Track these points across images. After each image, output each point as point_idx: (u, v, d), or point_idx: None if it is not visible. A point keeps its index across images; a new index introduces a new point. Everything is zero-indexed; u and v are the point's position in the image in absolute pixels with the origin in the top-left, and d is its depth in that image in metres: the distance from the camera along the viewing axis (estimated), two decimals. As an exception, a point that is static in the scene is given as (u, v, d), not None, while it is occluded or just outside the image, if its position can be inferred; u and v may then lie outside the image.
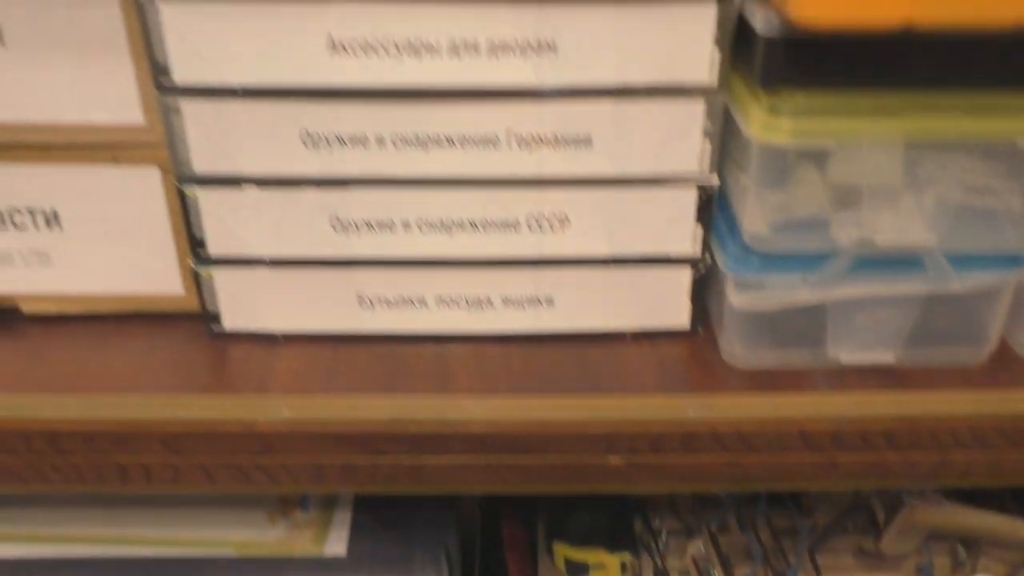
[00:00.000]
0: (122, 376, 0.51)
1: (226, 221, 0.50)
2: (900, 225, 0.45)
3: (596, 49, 0.45)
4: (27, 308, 0.54)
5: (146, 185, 0.51)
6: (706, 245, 0.51)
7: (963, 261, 0.46)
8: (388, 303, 0.53)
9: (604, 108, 0.47)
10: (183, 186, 0.49)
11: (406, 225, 0.50)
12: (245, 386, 0.50)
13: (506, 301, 0.53)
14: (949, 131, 0.43)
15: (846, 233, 0.46)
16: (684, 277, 0.52)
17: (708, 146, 0.48)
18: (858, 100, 0.43)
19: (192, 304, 0.54)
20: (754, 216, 0.47)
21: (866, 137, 0.44)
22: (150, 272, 0.54)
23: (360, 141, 0.48)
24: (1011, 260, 0.46)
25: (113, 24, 0.46)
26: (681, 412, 0.48)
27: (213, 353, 0.53)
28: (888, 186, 0.45)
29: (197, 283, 0.52)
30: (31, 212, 0.52)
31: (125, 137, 0.49)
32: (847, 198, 0.46)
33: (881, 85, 0.43)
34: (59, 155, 0.50)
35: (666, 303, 0.53)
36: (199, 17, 0.44)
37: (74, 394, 0.49)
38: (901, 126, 0.43)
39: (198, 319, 0.54)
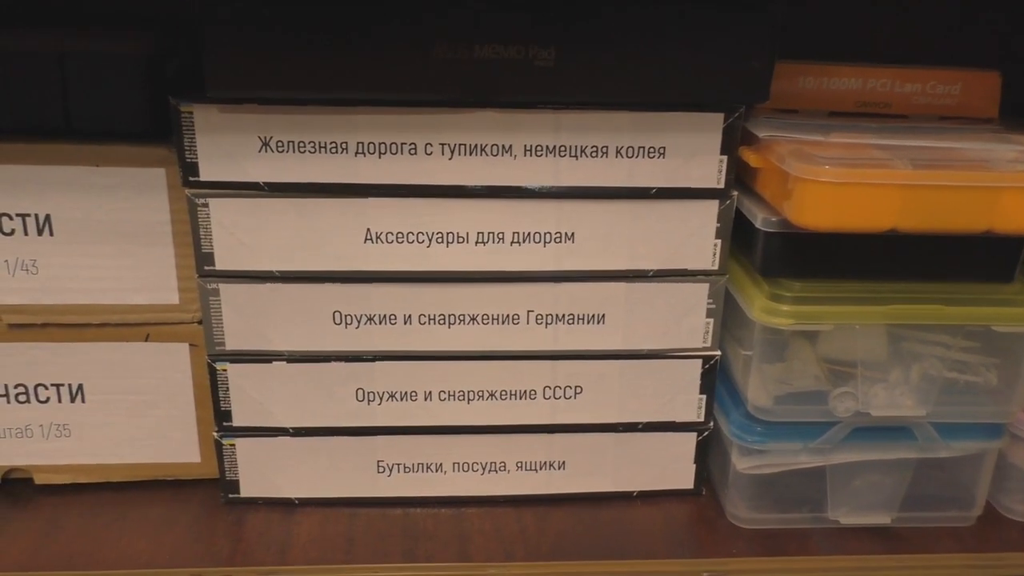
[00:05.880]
0: (139, 551, 0.50)
1: (254, 394, 0.52)
2: (892, 398, 0.49)
3: (610, 239, 0.49)
4: (41, 479, 0.55)
5: (174, 360, 0.53)
6: (709, 412, 0.54)
7: (949, 430, 0.50)
8: (406, 469, 0.54)
9: (617, 290, 0.51)
10: (214, 362, 0.51)
11: (427, 395, 0.53)
12: (265, 558, 0.51)
13: (520, 465, 0.55)
14: (932, 317, 0.47)
15: (844, 405, 0.50)
16: (689, 442, 0.55)
17: (711, 323, 0.52)
18: (850, 288, 0.48)
19: (207, 471, 0.55)
20: (758, 389, 0.50)
21: (857, 320, 0.48)
22: (168, 441, 0.55)
23: (388, 319, 0.51)
24: (992, 430, 0.51)
25: (159, 217, 0.49)
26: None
27: (230, 522, 0.53)
28: (877, 363, 0.50)
29: (218, 452, 0.53)
30: (57, 387, 0.53)
31: (159, 316, 0.51)
32: (842, 372, 0.50)
33: (870, 276, 0.48)
34: (93, 334, 0.51)
35: (672, 466, 0.55)
36: (244, 212, 0.47)
37: (90, 572, 0.49)
38: (889, 311, 0.47)
39: (212, 485, 0.55)
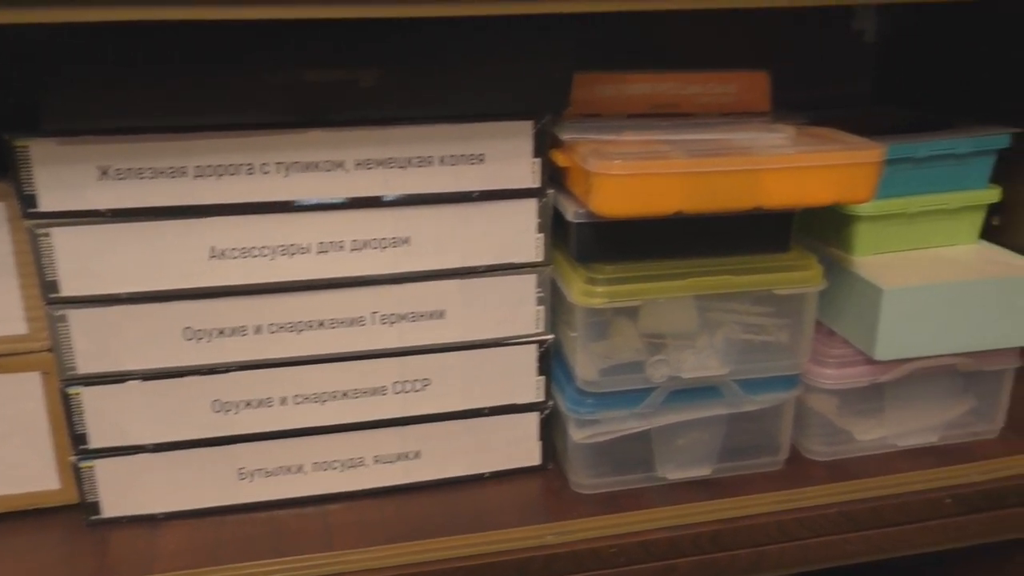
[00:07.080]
0: (3, 578, 0.51)
1: (109, 415, 0.53)
2: (699, 361, 0.56)
3: (442, 240, 0.54)
4: None
5: (26, 390, 0.53)
6: (548, 391, 0.59)
7: (752, 386, 0.57)
8: (267, 473, 0.57)
9: (453, 287, 0.55)
10: (67, 387, 0.52)
11: (283, 401, 0.56)
12: (131, 571, 0.52)
13: (377, 459, 0.59)
14: (722, 286, 0.54)
15: (659, 371, 0.56)
16: (532, 421, 0.60)
17: (542, 310, 0.57)
18: (655, 267, 0.54)
19: (67, 497, 0.56)
20: (585, 365, 0.56)
21: (662, 294, 0.54)
22: (25, 471, 0.55)
23: (239, 332, 0.53)
24: (788, 382, 0.58)
25: (1, 249, 0.50)
26: (541, 540, 0.55)
27: (94, 541, 0.55)
28: (685, 331, 0.56)
29: (77, 475, 0.55)
30: (-98, 426, 0.53)
31: (8, 347, 0.52)
32: (656, 343, 0.57)
33: (671, 255, 0.54)
34: (-63, 369, 0.52)
35: (519, 445, 0.60)
36: (87, 238, 0.49)
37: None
38: (686, 284, 0.54)
39: (74, 510, 0.56)
